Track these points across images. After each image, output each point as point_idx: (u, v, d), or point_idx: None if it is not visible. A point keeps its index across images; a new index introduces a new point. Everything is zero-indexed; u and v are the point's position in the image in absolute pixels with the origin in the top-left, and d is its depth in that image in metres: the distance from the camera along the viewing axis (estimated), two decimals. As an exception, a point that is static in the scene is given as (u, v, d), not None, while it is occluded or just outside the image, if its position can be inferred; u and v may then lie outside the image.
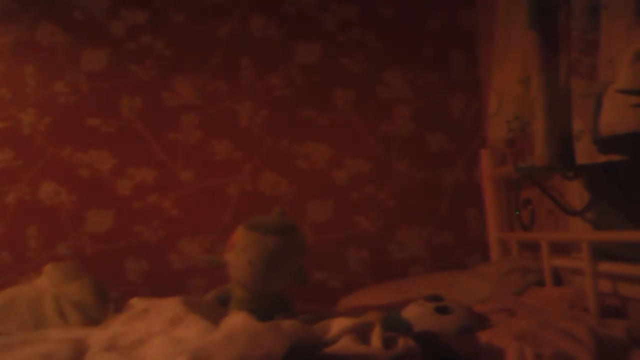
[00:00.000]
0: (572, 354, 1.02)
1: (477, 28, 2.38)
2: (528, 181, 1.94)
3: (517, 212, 2.02)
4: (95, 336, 1.22)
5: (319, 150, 2.27)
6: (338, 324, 1.09)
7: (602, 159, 1.23)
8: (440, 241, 2.28)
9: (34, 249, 2.09)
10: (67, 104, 2.17)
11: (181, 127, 2.22)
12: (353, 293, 1.98)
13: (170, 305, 1.28)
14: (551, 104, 1.39)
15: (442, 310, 1.30)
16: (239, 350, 0.93)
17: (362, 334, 1.07)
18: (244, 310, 1.34)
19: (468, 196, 2.30)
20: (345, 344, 1.02)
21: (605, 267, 1.43)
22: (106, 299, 1.61)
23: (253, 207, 2.16)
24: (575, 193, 1.71)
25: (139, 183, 2.17)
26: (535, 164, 1.43)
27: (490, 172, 2.14)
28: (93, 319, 1.49)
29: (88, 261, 2.06)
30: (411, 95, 2.33)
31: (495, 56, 1.66)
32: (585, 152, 1.27)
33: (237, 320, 1.18)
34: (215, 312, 1.36)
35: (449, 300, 1.37)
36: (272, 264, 1.48)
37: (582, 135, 1.27)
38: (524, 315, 1.34)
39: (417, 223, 2.28)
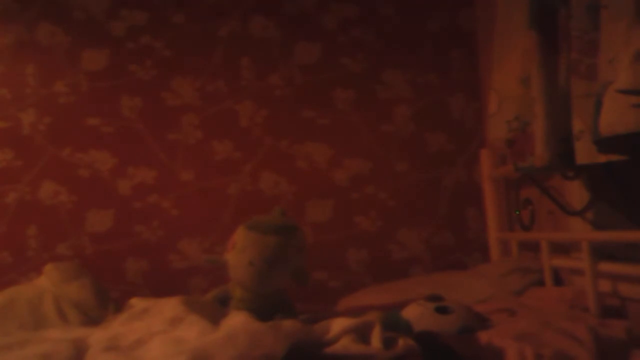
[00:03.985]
0: (572, 354, 1.02)
1: (477, 28, 2.38)
2: (528, 181, 1.94)
3: (517, 212, 2.02)
4: (95, 336, 1.22)
5: (319, 150, 2.27)
6: (338, 324, 1.09)
7: (602, 159, 1.23)
8: (440, 241, 2.28)
9: (34, 249, 2.09)
10: (67, 104, 2.17)
11: (181, 127, 2.22)
12: (353, 293, 1.97)
13: (170, 305, 1.28)
14: (551, 104, 1.40)
15: (442, 310, 1.30)
16: (239, 351, 0.93)
17: (362, 334, 1.07)
18: (244, 310, 1.34)
19: (468, 196, 2.30)
20: (345, 344, 1.02)
21: (605, 267, 1.43)
22: (106, 299, 1.61)
23: (253, 207, 2.16)
24: (575, 193, 1.71)
25: (139, 183, 2.17)
26: (535, 164, 1.43)
27: (490, 172, 2.14)
28: (93, 319, 1.49)
29: (88, 261, 2.06)
30: (411, 95, 2.33)
31: (495, 56, 1.66)
32: (585, 152, 1.27)
33: (237, 320, 1.18)
34: (215, 312, 1.36)
35: (449, 300, 1.37)
36: (273, 264, 1.48)
37: (582, 135, 1.27)
38: (524, 315, 1.34)
39: (417, 223, 2.28)
